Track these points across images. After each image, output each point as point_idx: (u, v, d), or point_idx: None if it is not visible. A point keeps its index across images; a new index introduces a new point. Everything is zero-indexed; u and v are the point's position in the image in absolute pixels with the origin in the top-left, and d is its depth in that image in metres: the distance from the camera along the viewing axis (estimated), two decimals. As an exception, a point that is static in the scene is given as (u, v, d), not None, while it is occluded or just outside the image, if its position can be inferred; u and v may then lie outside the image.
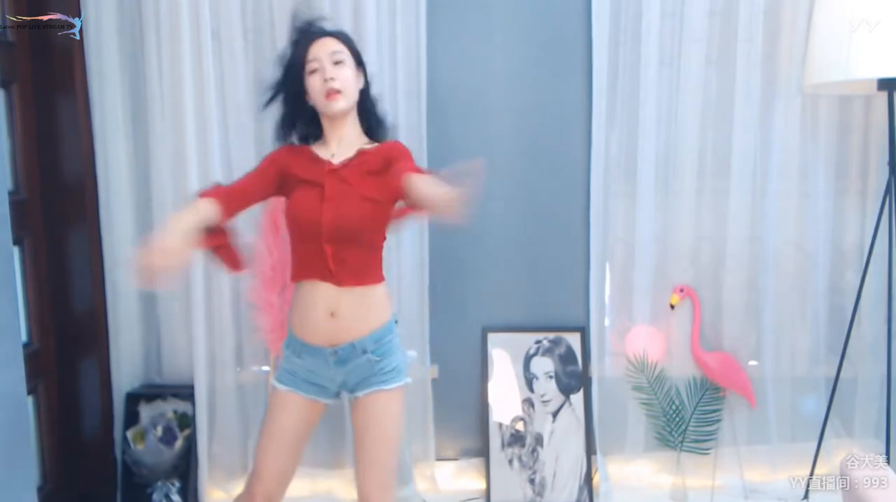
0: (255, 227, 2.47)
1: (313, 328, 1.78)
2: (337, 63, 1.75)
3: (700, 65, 2.51)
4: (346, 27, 2.39)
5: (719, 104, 2.54)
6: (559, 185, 2.61)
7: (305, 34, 1.79)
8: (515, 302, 2.65)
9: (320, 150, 1.83)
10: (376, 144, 1.85)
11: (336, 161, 1.80)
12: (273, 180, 1.83)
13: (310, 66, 1.75)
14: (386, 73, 2.46)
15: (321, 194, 1.75)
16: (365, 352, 1.77)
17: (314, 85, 1.76)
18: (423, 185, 1.59)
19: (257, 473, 1.83)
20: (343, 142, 1.82)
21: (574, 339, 2.63)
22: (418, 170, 1.72)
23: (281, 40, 2.43)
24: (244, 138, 2.48)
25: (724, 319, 2.61)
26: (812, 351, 2.63)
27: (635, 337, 2.63)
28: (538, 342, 2.63)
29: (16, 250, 2.24)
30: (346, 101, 1.77)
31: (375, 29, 2.41)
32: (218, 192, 1.74)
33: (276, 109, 1.87)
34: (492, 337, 2.64)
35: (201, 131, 2.43)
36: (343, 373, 1.79)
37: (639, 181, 2.56)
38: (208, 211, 1.67)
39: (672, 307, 2.57)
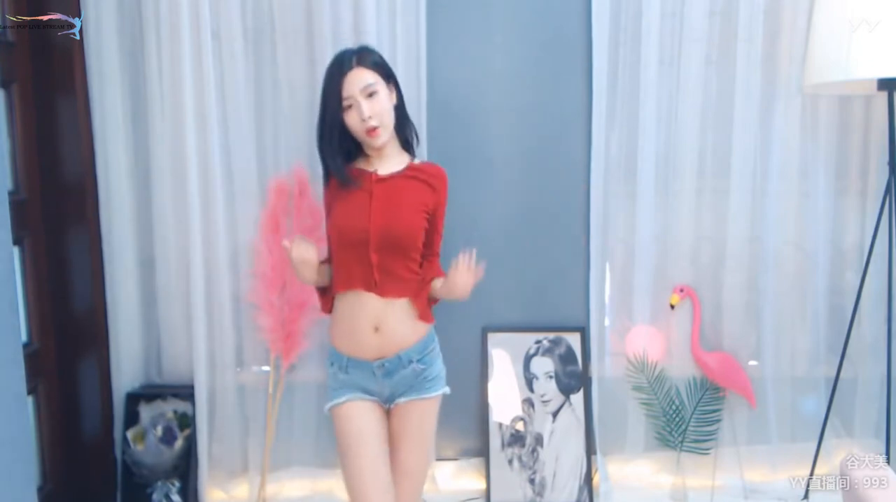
0: (255, 227, 2.47)
1: (358, 343, 1.80)
2: (370, 95, 1.76)
3: (700, 65, 2.51)
4: (346, 27, 2.40)
5: (719, 104, 2.54)
6: (559, 186, 2.61)
7: (333, 71, 1.78)
8: (515, 302, 2.65)
9: (362, 165, 1.87)
10: (419, 161, 1.91)
11: (382, 172, 1.83)
12: None
13: (345, 103, 1.76)
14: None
15: (369, 202, 1.78)
16: (411, 361, 1.80)
17: (352, 121, 1.78)
18: (446, 292, 1.83)
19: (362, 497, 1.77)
20: (384, 159, 1.86)
21: (574, 339, 2.63)
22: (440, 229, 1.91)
23: (281, 40, 2.44)
24: (244, 138, 2.48)
25: (724, 319, 2.61)
26: (812, 351, 2.63)
27: (635, 337, 2.63)
28: (538, 342, 2.63)
29: (16, 250, 2.24)
30: (386, 132, 1.80)
31: (375, 29, 2.40)
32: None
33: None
34: (492, 337, 2.64)
35: (201, 131, 2.43)
36: (390, 386, 1.82)
37: (639, 181, 2.56)
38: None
39: (672, 307, 2.57)
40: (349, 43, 2.40)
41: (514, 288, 2.64)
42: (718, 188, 2.58)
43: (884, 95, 2.38)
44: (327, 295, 1.91)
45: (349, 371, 1.82)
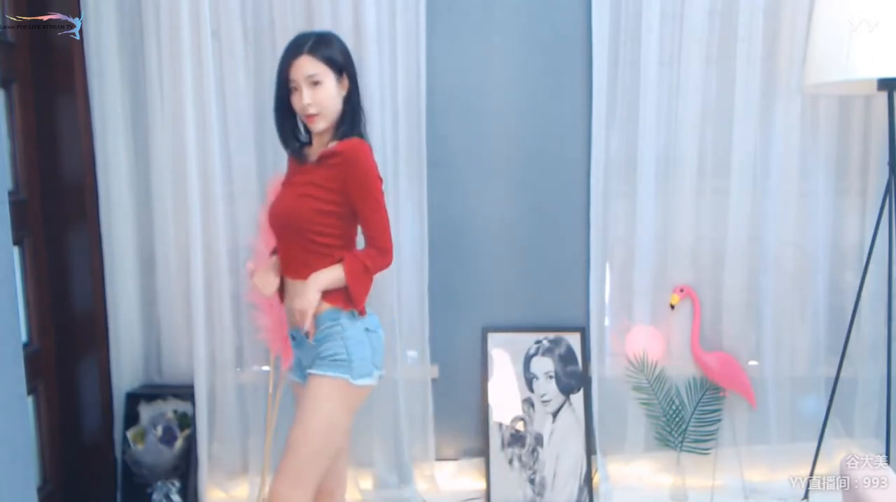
0: (255, 227, 2.47)
1: (290, 313, 1.89)
2: (315, 84, 1.78)
3: (700, 65, 2.51)
4: (346, 27, 2.40)
5: (719, 104, 2.54)
6: (559, 185, 2.61)
7: (286, 53, 1.82)
8: (515, 302, 2.65)
9: (308, 153, 1.90)
10: (337, 142, 1.83)
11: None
12: None
13: (291, 85, 1.81)
14: (386, 73, 2.46)
15: (281, 195, 1.87)
16: (306, 334, 1.81)
17: (296, 104, 1.82)
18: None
19: None
20: (319, 144, 1.88)
21: (574, 339, 2.63)
22: (374, 209, 1.79)
23: (281, 40, 2.44)
24: (244, 138, 2.49)
25: (724, 319, 2.60)
26: (812, 351, 2.63)
27: (635, 337, 2.63)
28: (538, 342, 2.63)
29: (16, 250, 2.24)
30: (325, 120, 1.82)
31: (375, 29, 2.40)
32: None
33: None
34: (492, 337, 2.64)
35: (201, 131, 2.43)
36: (303, 356, 1.88)
37: (639, 181, 2.56)
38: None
39: (672, 307, 2.57)
40: (349, 43, 2.40)
41: (514, 288, 2.64)
42: (718, 188, 2.58)
43: (884, 95, 2.38)
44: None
45: (293, 341, 1.91)
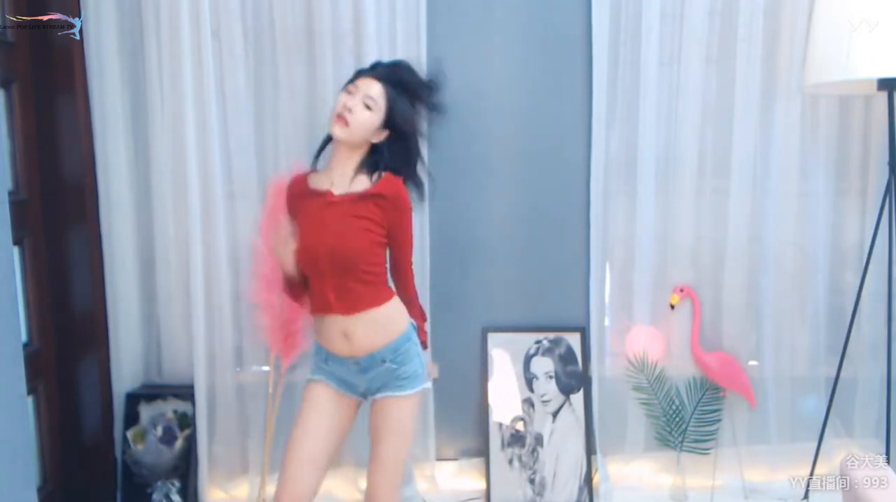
0: (255, 227, 2.47)
1: (332, 345, 1.88)
2: (366, 106, 1.83)
3: (700, 65, 2.51)
4: (346, 27, 2.40)
5: (719, 104, 2.54)
6: (559, 185, 2.61)
7: (372, 66, 1.95)
8: (515, 302, 2.65)
9: (321, 180, 1.91)
10: (377, 179, 1.88)
11: (336, 191, 1.87)
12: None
13: (348, 88, 1.86)
14: (386, 73, 2.46)
15: (320, 229, 1.83)
16: (384, 361, 1.86)
17: (341, 98, 1.86)
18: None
19: (282, 479, 1.84)
20: (341, 172, 1.89)
21: (574, 339, 2.63)
22: (408, 248, 1.93)
23: (281, 40, 2.44)
24: (244, 138, 2.48)
25: (724, 319, 2.61)
26: (812, 351, 2.63)
27: (635, 337, 2.63)
28: (538, 342, 2.63)
29: (16, 250, 2.24)
30: (347, 134, 1.83)
31: (375, 29, 2.40)
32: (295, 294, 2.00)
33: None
34: (492, 337, 2.64)
35: (201, 131, 2.43)
36: (366, 380, 1.89)
37: (639, 181, 2.56)
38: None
39: (672, 307, 2.58)
40: (349, 43, 2.41)
41: (514, 288, 2.64)
42: (718, 188, 2.58)
43: (884, 95, 2.38)
44: (296, 287, 1.98)
45: (329, 363, 1.91)
